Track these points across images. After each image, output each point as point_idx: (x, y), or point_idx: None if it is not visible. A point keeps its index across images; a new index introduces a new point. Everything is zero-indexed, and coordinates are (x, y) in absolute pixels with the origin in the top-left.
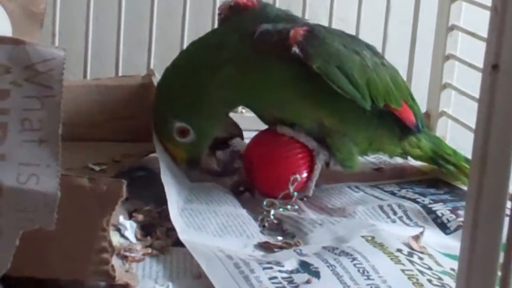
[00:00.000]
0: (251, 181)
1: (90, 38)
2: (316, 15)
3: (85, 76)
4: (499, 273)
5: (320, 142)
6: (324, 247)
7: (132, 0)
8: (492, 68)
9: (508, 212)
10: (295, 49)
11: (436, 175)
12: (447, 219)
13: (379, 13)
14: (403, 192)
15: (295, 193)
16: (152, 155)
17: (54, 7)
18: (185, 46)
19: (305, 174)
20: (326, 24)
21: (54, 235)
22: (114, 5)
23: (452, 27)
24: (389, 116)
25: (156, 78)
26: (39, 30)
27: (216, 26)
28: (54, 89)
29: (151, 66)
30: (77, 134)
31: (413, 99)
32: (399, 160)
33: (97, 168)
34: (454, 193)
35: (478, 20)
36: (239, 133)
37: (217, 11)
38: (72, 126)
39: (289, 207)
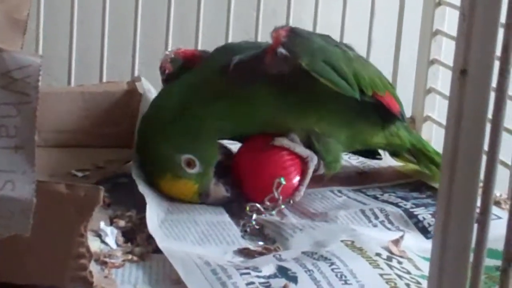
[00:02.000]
0: (239, 188)
1: (74, 43)
2: (300, 20)
3: (69, 82)
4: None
5: (309, 148)
6: (303, 252)
7: (116, 5)
8: (461, 73)
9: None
10: (281, 50)
11: (419, 177)
12: (428, 223)
13: (363, 18)
14: (385, 196)
15: (280, 197)
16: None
17: (38, 12)
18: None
19: (297, 178)
20: (310, 29)
21: (31, 241)
22: (98, 10)
23: (436, 32)
24: (371, 108)
25: (141, 84)
26: (21, 36)
27: (200, 30)
28: (30, 96)
29: (136, 71)
30: (60, 140)
31: (393, 87)
32: (382, 164)
33: (80, 174)
34: (437, 197)
35: None
36: (230, 152)
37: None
38: (56, 132)
39: (273, 212)
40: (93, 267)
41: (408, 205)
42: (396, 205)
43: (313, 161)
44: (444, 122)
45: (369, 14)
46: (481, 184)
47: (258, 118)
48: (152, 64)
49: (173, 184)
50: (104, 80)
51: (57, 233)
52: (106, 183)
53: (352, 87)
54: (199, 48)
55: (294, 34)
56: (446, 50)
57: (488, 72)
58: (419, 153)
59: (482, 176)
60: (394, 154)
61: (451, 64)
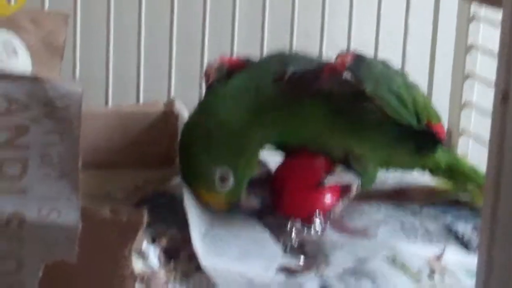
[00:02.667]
0: (277, 204)
1: (110, 66)
2: (333, 39)
3: (106, 103)
4: None
5: (347, 166)
6: (345, 269)
7: (151, 28)
8: (502, 98)
9: None
10: (346, 74)
11: (457, 197)
12: (469, 237)
13: (397, 34)
14: (424, 211)
15: (318, 220)
16: (175, 180)
17: (74, 36)
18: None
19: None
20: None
21: (76, 266)
22: (133, 33)
23: (471, 46)
24: (411, 135)
25: (177, 106)
26: (59, 62)
27: (235, 51)
28: (73, 123)
29: (172, 94)
30: (98, 161)
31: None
32: (419, 180)
33: (119, 195)
34: (476, 211)
35: (497, 38)
36: (267, 169)
37: (212, 66)
38: (93, 154)
39: (312, 230)
40: (138, 287)
41: (448, 219)
42: (436, 219)
43: (355, 183)
44: (480, 135)
45: (403, 29)
46: None
47: (303, 132)
48: (187, 87)
49: (203, 195)
50: (141, 101)
51: (102, 258)
52: (146, 203)
53: (411, 115)
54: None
55: (359, 59)
56: (481, 64)
57: None
58: (456, 172)
59: None
60: (431, 173)
61: (486, 77)
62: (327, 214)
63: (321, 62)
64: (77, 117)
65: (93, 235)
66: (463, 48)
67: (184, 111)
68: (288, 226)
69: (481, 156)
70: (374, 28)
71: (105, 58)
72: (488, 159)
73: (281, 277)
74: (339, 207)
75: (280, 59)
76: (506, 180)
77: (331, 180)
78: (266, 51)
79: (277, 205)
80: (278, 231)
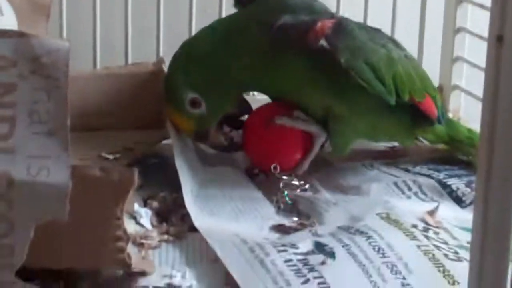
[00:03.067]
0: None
1: (98, 27)
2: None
3: (94, 65)
4: None
5: (321, 124)
6: (339, 227)
7: None
8: (497, 40)
9: None
10: (323, 42)
11: (450, 153)
12: (463, 193)
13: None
14: (417, 168)
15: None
16: (165, 142)
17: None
18: (193, 33)
19: (298, 155)
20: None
21: (68, 226)
22: None
23: (462, 0)
24: (404, 108)
25: (166, 66)
26: (45, 22)
27: (223, 14)
28: (60, 80)
29: (161, 54)
30: (88, 124)
31: (434, 89)
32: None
33: (110, 156)
34: (469, 168)
35: None
36: (249, 111)
37: None
38: (82, 116)
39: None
40: (131, 249)
41: (441, 175)
42: (429, 176)
43: (320, 137)
44: (472, 90)
45: None
46: None
47: (284, 85)
48: (176, 47)
49: (173, 114)
50: (129, 62)
51: (93, 217)
52: (137, 165)
53: (389, 91)
54: None
55: (340, 28)
56: (472, 18)
57: None
58: (455, 141)
59: None
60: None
61: (477, 31)
62: (293, 169)
63: (315, 18)
64: (65, 74)
65: (83, 195)
66: (454, 1)
67: None
68: (281, 185)
69: (472, 110)
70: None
71: (92, 20)
72: (483, 103)
73: (275, 235)
74: (304, 164)
75: (278, 4)
76: (501, 122)
77: (284, 121)
78: None
79: (243, 145)
80: (270, 191)
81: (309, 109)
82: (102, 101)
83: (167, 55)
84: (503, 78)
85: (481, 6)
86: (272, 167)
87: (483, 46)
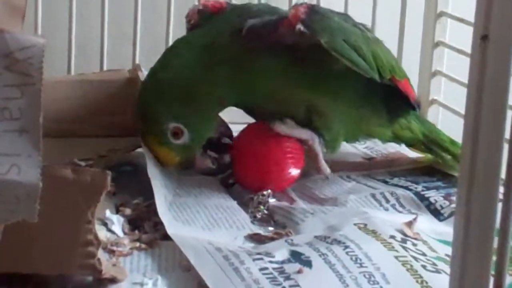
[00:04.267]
0: (238, 176)
1: (73, 33)
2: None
3: (69, 72)
4: (494, 258)
5: (308, 126)
6: (316, 237)
7: None
8: (482, 39)
9: (501, 196)
10: (299, 26)
11: (429, 163)
12: (441, 206)
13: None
14: (395, 180)
15: (266, 192)
16: (139, 150)
17: (36, 3)
18: (170, 40)
19: (295, 171)
20: None
21: (37, 228)
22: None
23: (441, 14)
24: (380, 97)
25: (143, 73)
26: (20, 22)
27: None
28: (34, 77)
29: (137, 61)
30: (61, 130)
31: (407, 77)
32: (391, 149)
33: (83, 163)
34: (447, 180)
35: (467, 5)
36: (229, 133)
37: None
38: (56, 122)
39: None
40: (101, 255)
41: (419, 188)
42: (407, 188)
43: (316, 140)
44: (450, 105)
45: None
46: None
47: (262, 87)
48: (153, 53)
49: (155, 148)
50: (105, 69)
51: (64, 220)
52: (110, 172)
53: (371, 68)
54: None
55: (313, 11)
56: (451, 32)
57: (511, 36)
58: (433, 143)
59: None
60: (408, 145)
61: (456, 46)
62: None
63: (282, 15)
64: (39, 70)
65: (54, 196)
66: (433, 15)
67: None
68: (255, 197)
69: (450, 126)
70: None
71: (67, 25)
72: (467, 103)
73: (249, 244)
74: (322, 166)
75: (242, 12)
76: (485, 122)
77: (278, 127)
78: None
79: (233, 169)
80: (246, 202)
81: (292, 111)
82: (76, 107)
83: (143, 62)
84: (487, 78)
85: (461, 20)
86: (266, 193)
87: (462, 61)
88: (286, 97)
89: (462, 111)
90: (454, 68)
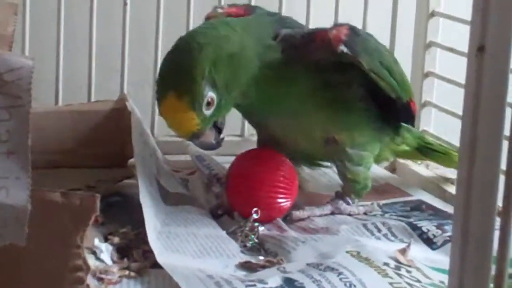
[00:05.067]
0: (230, 201)
1: (61, 64)
2: (293, 9)
3: (57, 103)
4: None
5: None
6: (308, 264)
7: (103, 26)
8: (478, 50)
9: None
10: (342, 47)
11: (419, 196)
12: (433, 235)
13: (358, 2)
14: (386, 216)
15: (256, 224)
16: (127, 180)
17: (23, 33)
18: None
19: (285, 203)
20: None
21: (26, 252)
22: (85, 31)
23: (433, 14)
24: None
25: (130, 103)
26: (7, 51)
27: None
28: (23, 98)
29: (124, 95)
30: (49, 161)
31: None
32: (380, 180)
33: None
34: (439, 215)
35: (459, 4)
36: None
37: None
38: (43, 153)
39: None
40: (91, 281)
41: (411, 218)
42: (398, 218)
43: (340, 207)
44: (443, 105)
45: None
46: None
47: (286, 101)
48: (140, 84)
49: (182, 110)
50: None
51: (53, 244)
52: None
53: (401, 90)
54: None
55: (354, 33)
56: (443, 32)
57: (508, 47)
58: (426, 148)
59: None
60: (406, 158)
61: (448, 45)
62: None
63: (312, 30)
64: (28, 92)
65: (43, 219)
66: (425, 15)
67: (136, 111)
68: (244, 224)
69: (442, 127)
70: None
71: (55, 57)
72: (463, 114)
73: (241, 273)
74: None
75: (277, 21)
76: (482, 128)
77: (298, 215)
78: None
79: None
80: (234, 231)
81: (308, 133)
82: (63, 138)
83: (131, 93)
84: (484, 90)
85: (453, 18)
86: (253, 211)
87: (454, 61)
88: (308, 120)
89: (456, 112)
90: (447, 68)
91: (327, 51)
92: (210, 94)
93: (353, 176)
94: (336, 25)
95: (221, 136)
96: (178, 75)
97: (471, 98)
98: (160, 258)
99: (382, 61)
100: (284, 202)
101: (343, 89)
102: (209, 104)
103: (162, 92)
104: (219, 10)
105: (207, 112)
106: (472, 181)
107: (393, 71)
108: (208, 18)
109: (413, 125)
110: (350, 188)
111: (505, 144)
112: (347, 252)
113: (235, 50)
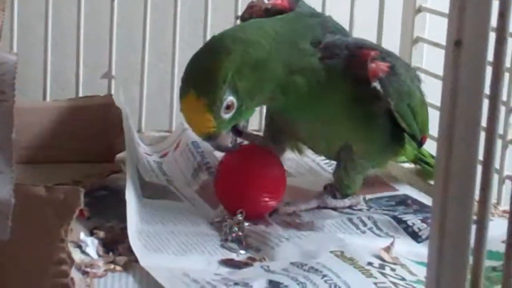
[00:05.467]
0: (218, 195)
1: (49, 61)
2: None
3: (44, 100)
4: (469, 276)
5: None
6: (292, 263)
7: (91, 23)
8: (455, 45)
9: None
10: (376, 84)
11: (405, 191)
12: (418, 228)
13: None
14: (372, 210)
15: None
16: (114, 175)
17: (11, 30)
18: (146, 70)
19: (272, 201)
20: None
21: (8, 246)
22: (73, 28)
23: (420, 9)
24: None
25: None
26: None
27: (177, 50)
28: (6, 93)
29: (112, 90)
30: (35, 156)
31: None
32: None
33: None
34: (424, 211)
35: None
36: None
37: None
38: (30, 148)
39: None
40: (75, 274)
41: (396, 212)
42: (383, 212)
43: (326, 200)
44: (430, 101)
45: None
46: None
47: (316, 107)
48: (128, 83)
49: (200, 111)
50: None
51: (37, 238)
52: (85, 197)
53: (419, 130)
54: (176, 70)
55: (392, 72)
56: (430, 28)
57: (484, 42)
58: (420, 160)
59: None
60: None
61: (434, 40)
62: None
63: (357, 45)
64: (11, 87)
65: (26, 214)
66: (412, 10)
67: (125, 107)
68: (228, 219)
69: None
70: None
71: (43, 53)
72: (441, 109)
73: (224, 270)
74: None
75: (321, 23)
76: (459, 121)
77: (286, 209)
78: None
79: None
80: (220, 223)
81: (328, 142)
82: (50, 133)
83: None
84: (461, 84)
85: (440, 14)
86: (238, 212)
87: (441, 57)
88: (332, 128)
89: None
90: (434, 64)
91: (362, 78)
92: (230, 98)
93: (348, 182)
94: (379, 58)
95: (239, 140)
96: (201, 76)
97: (448, 91)
98: (143, 261)
99: (410, 103)
100: (272, 201)
101: (371, 104)
102: (228, 107)
103: (184, 89)
104: (265, 2)
105: (226, 116)
106: (450, 172)
107: (417, 114)
108: (250, 7)
109: (418, 146)
110: (341, 189)
111: (482, 136)
112: (331, 252)
113: (263, 56)
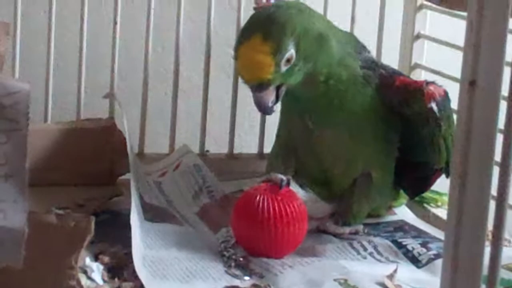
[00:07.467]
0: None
1: (50, 83)
2: None
3: (45, 121)
4: None
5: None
6: None
7: (92, 45)
8: (470, 85)
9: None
10: (433, 105)
11: (403, 216)
12: (418, 253)
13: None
14: (371, 236)
15: None
16: (116, 198)
17: (13, 53)
18: (148, 91)
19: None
20: None
21: (19, 273)
22: (74, 50)
23: (421, 6)
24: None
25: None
26: None
27: (180, 72)
28: (20, 122)
29: (114, 112)
30: (37, 179)
31: None
32: None
33: (61, 212)
34: (422, 236)
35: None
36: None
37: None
38: (32, 171)
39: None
40: None
41: (396, 236)
42: (383, 237)
43: (326, 226)
44: None
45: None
46: None
47: (347, 110)
48: (129, 105)
49: (263, 53)
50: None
51: (47, 265)
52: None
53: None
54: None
55: (447, 97)
56: (431, 24)
57: (498, 82)
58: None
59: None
60: None
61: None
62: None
63: (389, 67)
64: (25, 116)
65: (37, 241)
66: (413, 7)
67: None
68: (231, 242)
69: None
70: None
71: (44, 75)
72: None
73: None
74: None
75: (354, 40)
76: (474, 157)
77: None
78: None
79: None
80: (221, 248)
81: (349, 165)
82: (52, 155)
83: (119, 113)
84: (475, 122)
85: (441, 12)
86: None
87: (442, 53)
88: (358, 146)
89: None
90: (435, 60)
91: (413, 100)
92: (292, 52)
93: (357, 212)
94: (433, 83)
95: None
96: (270, 22)
97: (462, 129)
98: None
99: (452, 132)
100: (295, 242)
101: (393, 130)
102: (288, 61)
103: (247, 34)
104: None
105: (283, 68)
106: (463, 206)
107: (450, 142)
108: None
109: (423, 191)
110: (345, 217)
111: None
112: (334, 280)
113: (324, 33)
